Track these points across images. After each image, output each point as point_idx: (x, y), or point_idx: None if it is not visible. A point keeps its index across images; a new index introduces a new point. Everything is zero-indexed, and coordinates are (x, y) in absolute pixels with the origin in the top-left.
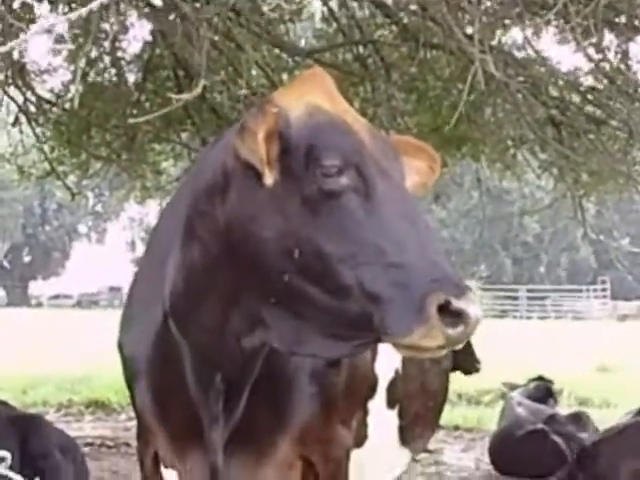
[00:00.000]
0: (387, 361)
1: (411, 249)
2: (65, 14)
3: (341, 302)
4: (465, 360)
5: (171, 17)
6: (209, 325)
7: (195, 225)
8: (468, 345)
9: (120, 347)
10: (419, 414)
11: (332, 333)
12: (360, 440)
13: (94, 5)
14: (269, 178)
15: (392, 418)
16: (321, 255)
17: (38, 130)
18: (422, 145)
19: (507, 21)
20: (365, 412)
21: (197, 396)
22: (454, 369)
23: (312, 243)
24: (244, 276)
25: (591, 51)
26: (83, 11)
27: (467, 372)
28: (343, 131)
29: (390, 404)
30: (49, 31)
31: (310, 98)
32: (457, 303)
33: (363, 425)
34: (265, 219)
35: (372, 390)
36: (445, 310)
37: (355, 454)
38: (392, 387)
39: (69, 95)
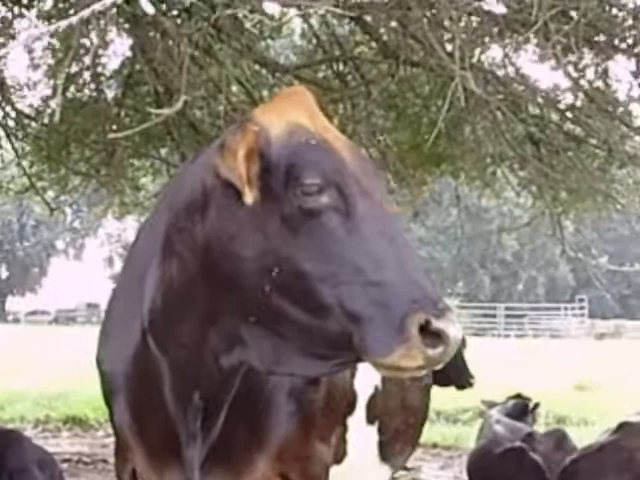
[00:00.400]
0: (366, 377)
1: (391, 268)
2: (36, 26)
3: (321, 321)
4: (459, 375)
5: (151, 33)
6: (187, 343)
7: (174, 242)
8: (462, 360)
9: (98, 363)
10: (399, 430)
11: (311, 352)
12: (339, 456)
13: (75, 19)
14: (249, 197)
15: (372, 434)
16: (301, 274)
17: (17, 145)
18: None
19: (487, 39)
20: (344, 428)
21: (175, 413)
22: (447, 384)
23: (292, 262)
24: (223, 294)
25: (570, 69)
26: (64, 23)
27: (461, 387)
28: (323, 149)
29: (370, 420)
30: (29, 48)
31: (290, 116)
32: (437, 323)
33: (342, 441)
34: (245, 237)
35: (351, 406)
36: (425, 330)
37: (334, 471)
38: (372, 403)
39: (48, 110)
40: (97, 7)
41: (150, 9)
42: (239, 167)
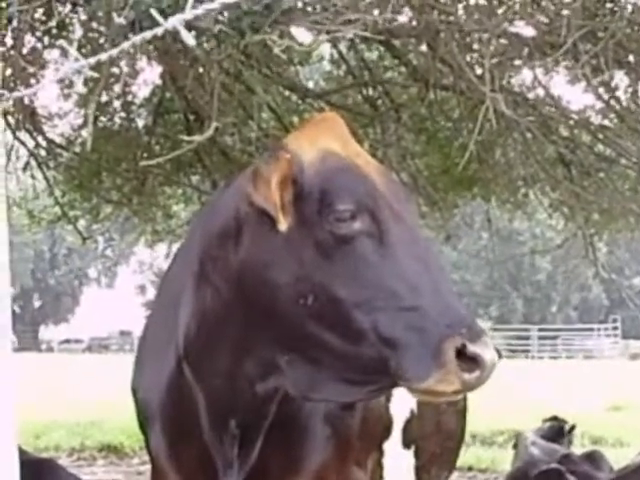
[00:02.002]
0: (402, 401)
1: (426, 293)
2: (76, 59)
3: (357, 347)
4: None
5: (181, 60)
6: (223, 370)
7: (208, 270)
8: None
9: (134, 391)
10: (435, 454)
11: (347, 378)
12: None
13: (105, 56)
14: (283, 224)
15: (408, 458)
16: (336, 300)
17: (49, 174)
18: None
19: (517, 61)
20: (381, 453)
21: (211, 441)
22: None
23: (326, 288)
24: (258, 322)
25: (601, 90)
26: (104, 56)
27: None
28: (355, 175)
29: (406, 444)
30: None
31: (322, 142)
32: (473, 347)
33: (378, 466)
34: (279, 265)
35: (387, 431)
36: (461, 355)
37: None
38: (408, 427)
39: (79, 139)
40: (126, 46)
41: (191, 40)
42: (273, 195)
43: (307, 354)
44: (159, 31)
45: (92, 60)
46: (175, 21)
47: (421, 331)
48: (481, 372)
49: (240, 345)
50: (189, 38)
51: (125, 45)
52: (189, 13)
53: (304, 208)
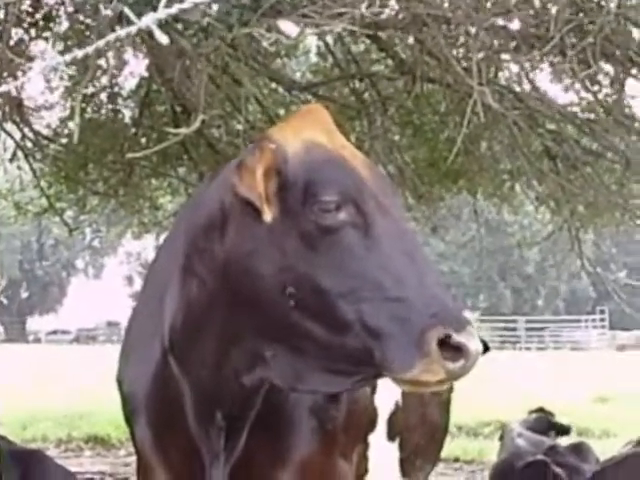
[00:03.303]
0: (387, 393)
1: (410, 283)
2: (61, 52)
3: (341, 338)
4: None
5: (168, 52)
6: (209, 362)
7: (193, 261)
8: None
9: (119, 383)
10: (420, 446)
11: (333, 369)
12: (361, 474)
13: (91, 49)
14: (268, 215)
15: (393, 451)
16: (320, 291)
17: (35, 166)
18: None
19: (504, 55)
20: (366, 445)
21: (198, 433)
22: None
23: (311, 279)
24: (243, 313)
25: (587, 83)
26: (81, 53)
27: None
28: (340, 166)
29: (390, 436)
30: (55, 69)
31: (307, 134)
32: (457, 337)
33: (364, 458)
34: (263, 255)
35: (372, 423)
36: (445, 344)
37: None
38: (392, 419)
39: (66, 131)
40: (111, 38)
41: (164, 40)
42: (258, 186)
43: (292, 345)
44: (133, 30)
45: (68, 57)
46: (148, 20)
47: (405, 321)
48: (465, 361)
49: (226, 337)
50: (162, 37)
51: (100, 42)
52: (162, 12)
53: (288, 199)
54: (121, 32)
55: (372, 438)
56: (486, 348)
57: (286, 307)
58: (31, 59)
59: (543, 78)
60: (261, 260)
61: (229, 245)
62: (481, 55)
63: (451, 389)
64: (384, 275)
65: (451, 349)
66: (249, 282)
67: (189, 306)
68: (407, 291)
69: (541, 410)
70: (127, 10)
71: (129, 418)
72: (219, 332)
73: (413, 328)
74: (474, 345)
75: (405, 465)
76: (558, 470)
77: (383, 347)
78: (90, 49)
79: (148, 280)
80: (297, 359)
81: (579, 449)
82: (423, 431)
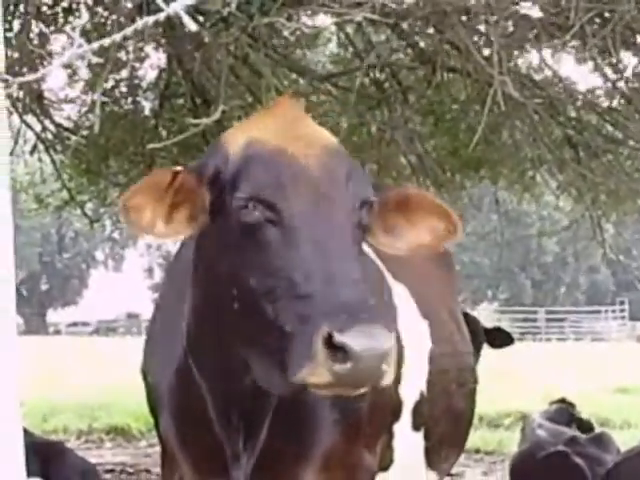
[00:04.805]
0: (412, 383)
1: (316, 280)
2: (80, 45)
3: (270, 338)
4: (497, 336)
5: (187, 44)
6: (217, 363)
7: (195, 263)
8: (498, 329)
9: (144, 374)
10: (445, 436)
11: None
12: (386, 464)
13: (108, 41)
14: (162, 227)
15: (418, 441)
16: (249, 290)
17: (56, 158)
18: (441, 205)
19: (524, 43)
20: (390, 435)
21: (220, 431)
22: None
23: (242, 279)
24: (220, 318)
25: (608, 71)
26: (106, 41)
27: (499, 345)
28: (265, 162)
29: (416, 426)
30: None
31: (257, 129)
32: (340, 337)
33: (388, 449)
34: (212, 259)
35: (397, 413)
36: (330, 345)
37: (381, 478)
38: (417, 409)
39: (87, 123)
40: (139, 25)
41: (193, 26)
42: (139, 220)
43: (253, 348)
44: (161, 16)
45: (95, 45)
46: (177, 6)
47: (306, 321)
48: (354, 363)
49: (222, 340)
50: (191, 24)
51: (128, 30)
52: None
53: (225, 199)
54: (149, 19)
55: (397, 428)
56: (510, 340)
57: (234, 310)
58: (51, 52)
59: (563, 65)
60: (211, 264)
61: (203, 253)
62: (501, 42)
63: (475, 380)
64: (296, 272)
65: (336, 350)
66: (213, 287)
67: (195, 309)
68: (312, 288)
69: (562, 401)
70: None
71: (153, 409)
72: (215, 336)
73: (308, 328)
74: (362, 344)
75: (430, 455)
76: (579, 461)
77: (288, 348)
78: (118, 36)
79: (169, 273)
80: (261, 361)
81: (600, 440)
82: (448, 421)
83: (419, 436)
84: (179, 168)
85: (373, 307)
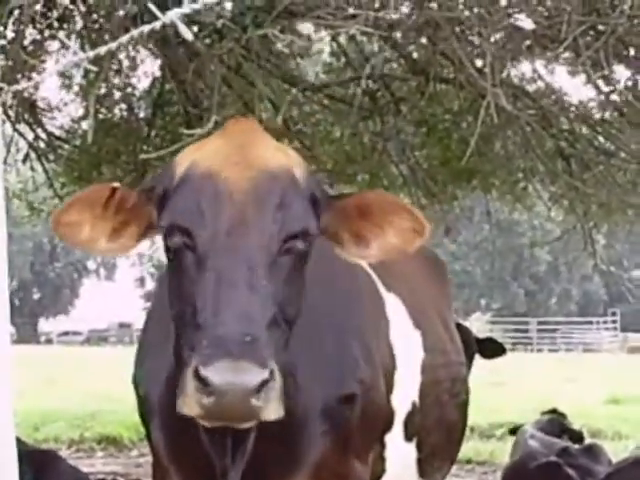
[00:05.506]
0: (404, 393)
1: (208, 311)
2: (75, 53)
3: (179, 365)
4: (489, 347)
5: (181, 53)
6: None
7: None
8: (490, 339)
9: (135, 384)
10: (437, 446)
11: None
12: (378, 474)
13: (104, 50)
14: (104, 243)
15: (410, 451)
16: (174, 315)
17: (48, 166)
18: (404, 205)
19: (517, 55)
20: (382, 446)
21: (209, 445)
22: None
23: (170, 302)
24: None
25: (601, 83)
26: (103, 50)
27: (491, 356)
28: (194, 186)
29: (408, 437)
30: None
31: (204, 152)
32: (203, 370)
33: (380, 459)
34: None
35: (389, 423)
36: (199, 378)
37: None
38: (410, 420)
39: (79, 131)
40: (135, 33)
41: (189, 35)
42: (75, 236)
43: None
44: (157, 25)
45: (91, 53)
46: (173, 15)
47: (193, 350)
48: (216, 397)
49: None
50: (187, 33)
51: (123, 39)
52: (187, 7)
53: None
54: (144, 28)
55: (389, 439)
56: (502, 350)
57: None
58: (45, 60)
59: (556, 77)
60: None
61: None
62: (494, 54)
63: (467, 390)
64: (198, 301)
65: (203, 383)
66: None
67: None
68: (203, 319)
69: (554, 412)
70: (151, 5)
71: (144, 419)
72: None
73: (190, 359)
74: (223, 379)
75: (422, 465)
76: (570, 472)
77: (182, 376)
78: (114, 45)
79: (161, 282)
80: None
81: (591, 451)
82: (440, 432)
83: (411, 446)
84: (116, 184)
85: (252, 342)
